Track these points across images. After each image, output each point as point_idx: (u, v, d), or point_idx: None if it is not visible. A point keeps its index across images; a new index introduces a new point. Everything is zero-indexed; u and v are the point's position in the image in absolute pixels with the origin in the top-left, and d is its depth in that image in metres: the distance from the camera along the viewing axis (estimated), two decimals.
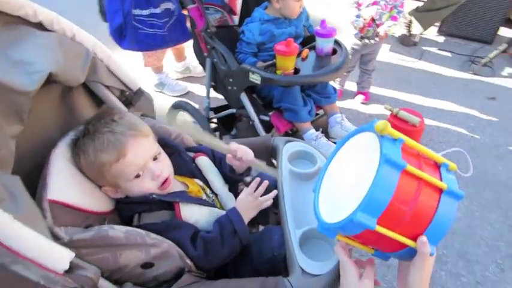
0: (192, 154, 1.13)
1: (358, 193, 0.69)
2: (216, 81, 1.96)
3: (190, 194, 1.02)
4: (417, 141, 2.39)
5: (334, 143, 1.78)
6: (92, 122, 0.92)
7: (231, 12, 2.08)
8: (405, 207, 0.69)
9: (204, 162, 1.11)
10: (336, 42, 1.84)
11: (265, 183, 1.02)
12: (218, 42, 1.77)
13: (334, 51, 1.82)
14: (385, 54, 3.54)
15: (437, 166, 0.78)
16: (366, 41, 2.52)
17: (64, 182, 0.85)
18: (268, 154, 1.27)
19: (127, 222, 0.95)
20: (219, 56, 1.78)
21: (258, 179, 1.03)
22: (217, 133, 2.13)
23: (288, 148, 1.22)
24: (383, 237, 0.70)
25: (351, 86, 3.02)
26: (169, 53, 2.91)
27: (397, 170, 0.68)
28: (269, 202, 1.01)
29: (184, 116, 2.13)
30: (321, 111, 1.94)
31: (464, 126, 2.78)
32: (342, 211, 0.72)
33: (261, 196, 1.01)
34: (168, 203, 0.95)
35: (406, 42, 3.77)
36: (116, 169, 0.89)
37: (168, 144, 1.08)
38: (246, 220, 0.97)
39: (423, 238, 0.70)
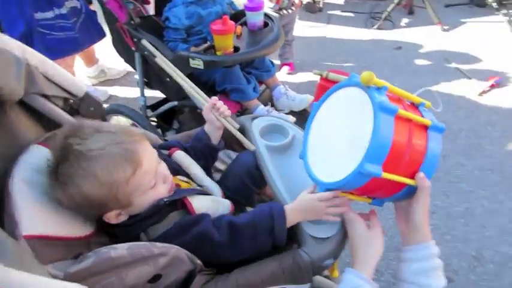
0: (165, 152, 1.05)
1: (356, 146, 0.71)
2: (149, 76, 1.83)
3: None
4: None
5: (287, 113, 1.79)
6: (70, 143, 0.75)
7: (144, 1, 1.94)
8: (403, 149, 0.72)
9: (181, 157, 1.04)
10: (265, 14, 1.83)
11: (344, 199, 0.84)
12: (146, 34, 1.64)
13: (265, 24, 1.80)
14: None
15: (415, 106, 0.83)
16: (284, 11, 2.56)
17: (37, 214, 0.73)
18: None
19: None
20: (149, 47, 1.66)
21: (335, 192, 0.82)
22: (159, 130, 2.01)
23: (256, 124, 1.19)
24: (386, 183, 0.73)
25: (274, 58, 3.07)
26: (77, 59, 2.65)
27: (391, 115, 0.71)
28: (336, 216, 0.87)
29: (119, 121, 1.97)
30: (262, 87, 1.93)
31: (382, 76, 2.98)
32: (341, 168, 0.73)
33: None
34: (175, 203, 0.88)
35: (311, 9, 3.92)
36: (133, 183, 0.78)
37: None
38: (292, 222, 0.87)
39: (421, 174, 0.74)
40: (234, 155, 1.25)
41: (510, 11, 3.78)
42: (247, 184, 1.08)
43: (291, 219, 0.86)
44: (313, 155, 0.85)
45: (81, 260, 0.70)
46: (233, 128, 1.12)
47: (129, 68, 2.89)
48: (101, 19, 1.95)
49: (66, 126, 0.83)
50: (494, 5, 3.77)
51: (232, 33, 1.57)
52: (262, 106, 1.75)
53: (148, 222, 0.85)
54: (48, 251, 0.69)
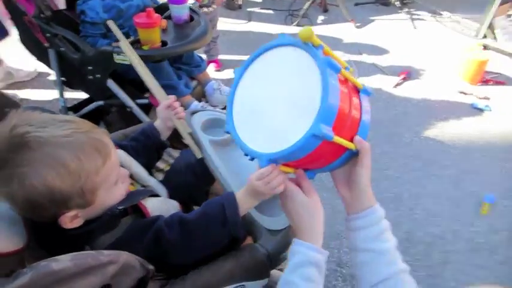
0: None
1: (300, 108, 0.66)
2: (67, 74, 1.65)
3: None
4: None
5: (222, 109, 1.74)
6: (26, 131, 0.64)
7: None
8: (347, 111, 0.69)
9: (121, 156, 0.93)
10: (190, 9, 1.75)
11: (277, 169, 0.74)
12: (60, 28, 1.47)
13: (191, 19, 1.73)
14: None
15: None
16: (205, 9, 2.51)
17: None
18: (176, 132, 1.15)
19: None
20: (65, 43, 1.49)
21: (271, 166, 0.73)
22: None
23: (196, 120, 1.12)
24: (328, 150, 0.70)
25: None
26: None
27: (335, 74, 0.67)
28: (281, 187, 0.76)
29: None
30: (193, 83, 1.85)
31: None
32: (286, 134, 0.66)
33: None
34: (125, 209, 0.79)
35: (231, 6, 3.93)
36: (102, 175, 0.71)
37: None
38: (245, 209, 0.80)
39: (358, 137, 0.71)
40: (175, 153, 1.17)
41: (411, 10, 4.16)
42: (191, 181, 1.01)
43: (243, 206, 0.79)
44: (243, 128, 0.75)
45: (15, 276, 0.58)
46: (185, 133, 1.06)
47: (41, 69, 2.65)
48: (1, 16, 1.73)
49: (6, 118, 0.69)
50: (397, 3, 4.16)
51: (158, 27, 1.47)
52: (196, 102, 1.67)
53: (98, 232, 0.76)
54: None
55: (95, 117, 1.83)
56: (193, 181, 1.02)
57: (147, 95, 1.63)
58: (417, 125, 2.57)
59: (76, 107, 1.82)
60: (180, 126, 1.05)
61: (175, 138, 1.15)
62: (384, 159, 2.27)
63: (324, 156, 0.72)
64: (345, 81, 0.71)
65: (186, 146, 1.21)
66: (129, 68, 1.53)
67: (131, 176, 0.93)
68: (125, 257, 0.68)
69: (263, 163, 0.69)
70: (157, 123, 1.05)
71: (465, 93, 2.88)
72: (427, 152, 2.36)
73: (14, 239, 0.68)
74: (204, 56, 2.91)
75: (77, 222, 0.72)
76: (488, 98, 2.83)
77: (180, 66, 1.71)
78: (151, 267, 0.73)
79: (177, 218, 0.78)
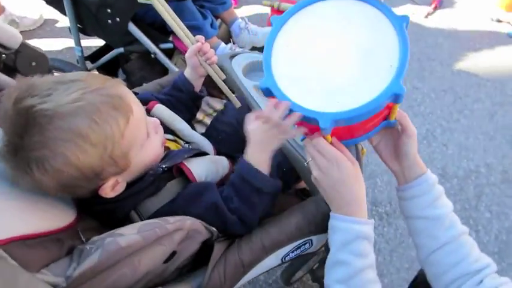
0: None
1: (370, 64, 0.61)
2: (83, 20, 1.53)
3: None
4: None
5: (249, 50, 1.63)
6: (30, 105, 0.54)
7: None
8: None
9: (162, 111, 0.87)
10: None
11: (286, 103, 0.63)
12: None
13: None
14: None
15: None
16: None
17: (6, 212, 0.55)
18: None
19: (116, 225, 0.70)
20: None
21: (273, 100, 0.64)
22: None
23: (236, 64, 1.04)
24: (378, 115, 0.66)
25: None
26: None
27: (406, 31, 0.62)
28: (292, 132, 0.70)
29: None
30: (217, 22, 1.72)
31: None
32: (354, 91, 0.59)
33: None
34: (170, 170, 0.73)
35: None
36: (128, 136, 0.62)
37: None
38: (265, 161, 0.72)
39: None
40: (213, 101, 1.10)
41: None
42: (242, 135, 0.95)
43: (259, 161, 0.72)
44: (288, 84, 0.64)
45: (81, 255, 0.56)
46: (219, 79, 0.94)
47: (47, 15, 2.50)
48: None
49: (7, 89, 0.61)
50: None
51: None
52: (223, 44, 1.56)
53: (143, 194, 0.70)
54: (34, 254, 0.54)
55: (113, 66, 1.74)
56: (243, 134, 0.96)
57: (170, 38, 1.52)
58: (449, 58, 2.43)
59: (94, 56, 1.72)
60: (212, 73, 0.94)
61: (213, 85, 1.08)
62: (415, 94, 2.18)
63: (370, 122, 0.68)
64: None
65: (223, 93, 1.15)
66: (149, 8, 1.42)
67: (174, 133, 0.88)
68: (189, 222, 0.65)
69: (325, 123, 0.58)
70: (188, 73, 0.93)
71: (500, 21, 2.69)
72: (460, 86, 2.26)
73: (64, 213, 0.64)
74: None
75: (119, 188, 0.66)
76: None
77: (203, 3, 1.57)
78: (214, 229, 0.70)
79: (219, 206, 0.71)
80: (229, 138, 0.95)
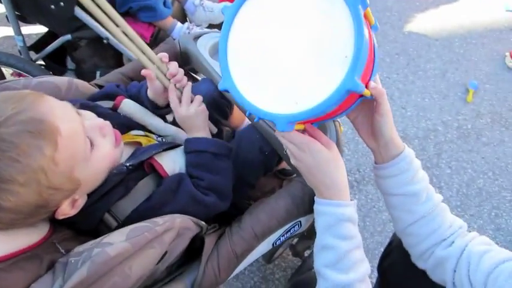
0: (109, 103, 0.80)
1: (326, 57, 0.54)
2: (21, 7, 1.38)
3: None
4: None
5: (206, 28, 1.56)
6: None
7: None
8: (370, 55, 0.58)
9: (130, 106, 0.81)
10: None
11: (187, 85, 0.80)
12: None
13: None
14: None
15: None
16: None
17: None
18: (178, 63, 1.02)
19: (92, 231, 0.65)
20: None
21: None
22: (50, 73, 1.62)
23: (202, 45, 0.99)
24: (348, 98, 0.59)
25: None
26: None
27: (362, 14, 0.53)
28: (202, 106, 0.81)
29: None
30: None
31: None
32: (306, 89, 0.55)
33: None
34: (141, 167, 0.69)
35: None
36: (62, 157, 0.53)
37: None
38: (205, 132, 0.80)
39: (373, 83, 0.62)
40: None
41: None
42: (214, 117, 0.92)
43: (202, 132, 0.80)
44: (245, 82, 0.60)
45: (66, 270, 0.52)
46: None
47: None
48: None
49: None
50: None
51: None
52: (179, 24, 1.48)
53: (112, 197, 0.65)
54: (10, 278, 0.50)
55: (59, 55, 1.60)
56: (214, 115, 0.92)
57: None
58: (399, 20, 2.49)
59: (36, 45, 1.58)
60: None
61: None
62: None
63: (341, 108, 0.63)
64: (364, 16, 0.56)
65: (190, 76, 1.10)
66: None
67: (146, 129, 0.83)
68: (179, 220, 0.63)
69: (282, 127, 0.56)
70: (151, 94, 0.82)
71: None
72: (412, 47, 2.33)
73: (37, 227, 0.59)
74: None
75: (80, 203, 0.61)
76: None
77: None
78: (203, 223, 0.69)
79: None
80: None
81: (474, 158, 1.85)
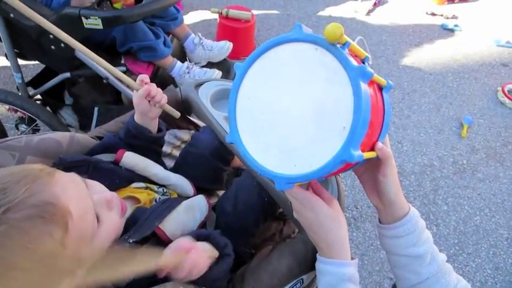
0: (110, 156, 0.80)
1: (324, 124, 0.55)
2: (21, 45, 1.39)
3: (145, 206, 0.75)
4: (252, 36, 2.36)
5: (203, 66, 1.57)
6: None
7: None
8: (375, 122, 0.59)
9: (132, 159, 0.80)
10: None
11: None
12: None
13: None
14: None
15: (361, 61, 0.66)
16: None
17: None
18: (179, 110, 1.02)
19: None
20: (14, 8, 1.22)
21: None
22: (48, 108, 1.60)
23: (203, 94, 0.99)
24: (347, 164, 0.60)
25: None
26: None
27: (366, 83, 0.55)
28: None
29: None
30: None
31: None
32: (306, 154, 0.56)
33: None
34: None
35: None
36: (71, 241, 0.51)
37: (72, 162, 0.72)
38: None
39: (380, 144, 0.62)
40: (181, 133, 1.05)
41: None
42: (216, 166, 0.92)
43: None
44: (251, 139, 0.62)
45: None
46: (173, 110, 0.90)
47: None
48: None
49: None
50: None
51: None
52: (179, 63, 1.50)
53: None
54: None
55: (58, 89, 1.60)
56: (218, 165, 0.92)
57: (122, 60, 1.43)
58: (394, 54, 2.54)
59: (36, 81, 1.57)
60: (169, 111, 0.89)
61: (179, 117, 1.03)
62: None
63: (341, 170, 0.64)
64: (371, 82, 0.59)
65: (190, 122, 1.10)
66: (97, 30, 1.32)
67: (148, 180, 0.82)
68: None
69: (281, 186, 0.58)
70: (138, 118, 0.84)
71: (434, 14, 2.85)
72: (406, 81, 2.37)
73: None
74: None
75: (80, 280, 0.56)
76: (456, 17, 2.83)
77: (153, 20, 1.49)
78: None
79: None
80: (202, 172, 0.91)
81: (470, 194, 1.86)
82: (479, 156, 2.03)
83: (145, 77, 0.83)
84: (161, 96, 0.83)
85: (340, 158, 0.52)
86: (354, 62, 0.54)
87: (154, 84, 0.83)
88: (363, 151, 0.55)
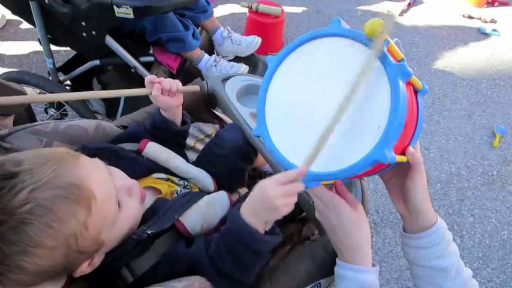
0: (133, 145, 0.80)
1: (357, 122, 0.54)
2: (54, 31, 1.41)
3: (166, 197, 0.74)
4: (281, 31, 2.33)
5: (231, 60, 1.56)
6: None
7: None
8: (409, 124, 0.56)
9: (155, 150, 0.80)
10: None
11: (300, 170, 0.54)
12: None
13: None
14: None
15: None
16: None
17: None
18: (204, 103, 1.01)
19: (107, 283, 0.64)
20: None
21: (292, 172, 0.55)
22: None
23: (230, 88, 0.98)
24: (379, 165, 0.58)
25: None
26: None
27: (405, 82, 0.53)
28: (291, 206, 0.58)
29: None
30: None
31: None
32: (336, 151, 0.55)
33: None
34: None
35: None
36: (94, 224, 0.53)
37: (95, 149, 0.72)
38: (261, 224, 0.59)
39: (411, 149, 0.60)
40: (205, 126, 1.04)
41: None
42: (240, 166, 0.91)
43: (258, 220, 0.59)
44: (279, 134, 0.61)
45: None
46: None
47: (10, 15, 2.31)
48: None
49: None
50: None
51: None
52: (207, 56, 1.49)
53: (130, 256, 0.63)
54: None
55: (87, 77, 1.63)
56: (241, 165, 0.91)
57: (151, 50, 1.44)
58: (426, 57, 2.46)
59: (65, 67, 1.60)
60: (188, 90, 0.87)
61: (199, 108, 1.02)
62: None
63: (371, 171, 0.62)
64: (408, 84, 0.56)
65: (214, 115, 1.09)
66: (127, 19, 1.32)
67: (170, 172, 0.82)
68: (197, 284, 0.60)
69: (308, 183, 0.56)
70: (164, 111, 0.85)
71: (471, 17, 2.74)
72: (437, 86, 2.29)
73: (54, 280, 0.56)
74: None
75: (97, 262, 0.59)
76: (495, 21, 2.71)
77: (183, 12, 1.49)
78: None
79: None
80: (225, 171, 0.90)
81: (499, 207, 1.78)
82: (510, 168, 1.94)
83: (152, 77, 0.81)
84: (174, 83, 0.82)
85: (373, 158, 0.50)
86: (393, 60, 0.52)
87: (161, 78, 0.82)
88: (395, 153, 0.53)
